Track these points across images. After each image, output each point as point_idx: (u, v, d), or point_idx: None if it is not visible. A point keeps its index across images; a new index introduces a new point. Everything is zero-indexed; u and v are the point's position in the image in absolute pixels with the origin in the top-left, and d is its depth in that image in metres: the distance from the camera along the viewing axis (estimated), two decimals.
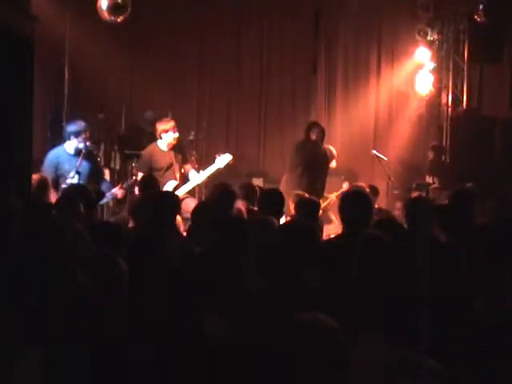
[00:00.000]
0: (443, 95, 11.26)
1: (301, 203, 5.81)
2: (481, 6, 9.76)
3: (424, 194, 8.95)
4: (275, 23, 11.99)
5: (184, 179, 7.95)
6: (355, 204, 4.76)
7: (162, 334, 2.91)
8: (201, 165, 10.17)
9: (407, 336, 2.58)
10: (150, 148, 8.02)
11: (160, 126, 7.91)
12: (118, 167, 10.66)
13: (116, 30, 10.16)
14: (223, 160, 8.01)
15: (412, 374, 2.37)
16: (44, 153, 7.80)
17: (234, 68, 12.07)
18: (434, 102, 11.41)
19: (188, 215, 6.89)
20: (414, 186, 9.83)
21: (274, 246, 3.78)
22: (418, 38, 10.93)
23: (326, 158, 8.53)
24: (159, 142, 7.90)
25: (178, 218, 5.57)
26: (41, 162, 7.47)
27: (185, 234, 5.34)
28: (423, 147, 11.08)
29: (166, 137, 7.83)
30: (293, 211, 6.05)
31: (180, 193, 7.51)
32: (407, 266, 2.90)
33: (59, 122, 9.95)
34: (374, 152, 9.78)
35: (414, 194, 8.92)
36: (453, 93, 11.06)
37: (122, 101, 11.47)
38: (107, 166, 10.57)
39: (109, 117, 11.03)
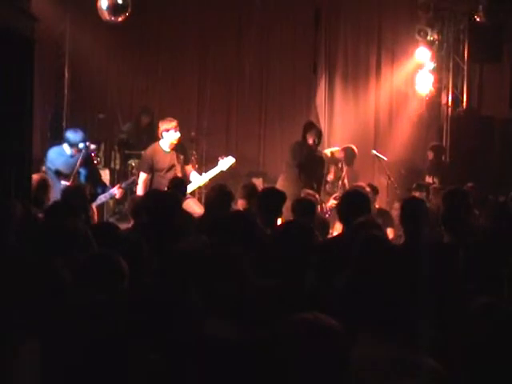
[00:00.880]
0: (443, 95, 11.25)
1: (298, 204, 5.83)
2: (481, 6, 9.76)
3: (424, 194, 8.94)
4: (275, 23, 11.99)
5: (186, 177, 7.94)
6: (354, 204, 4.76)
7: (163, 333, 2.91)
8: (201, 165, 10.19)
9: (407, 336, 2.58)
10: (151, 148, 8.00)
11: (162, 125, 7.89)
12: (117, 167, 10.66)
13: (116, 30, 10.16)
14: (226, 163, 8.01)
15: (412, 373, 2.38)
16: (44, 153, 7.81)
17: (234, 68, 12.07)
18: (434, 102, 11.40)
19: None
20: (414, 186, 9.81)
21: (273, 246, 3.79)
22: (418, 37, 10.93)
23: (322, 160, 8.55)
24: (161, 141, 7.88)
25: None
26: (41, 162, 7.48)
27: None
28: (423, 147, 11.07)
29: (168, 136, 7.81)
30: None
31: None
32: (407, 266, 2.91)
33: (59, 122, 9.96)
34: (374, 152, 9.79)
35: (415, 194, 8.92)
36: (453, 93, 11.06)
37: (121, 101, 11.47)
38: (107, 166, 10.57)
39: (109, 117, 11.04)
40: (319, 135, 8.44)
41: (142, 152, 8.39)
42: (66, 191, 6.15)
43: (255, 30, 12.05)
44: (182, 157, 7.95)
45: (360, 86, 11.82)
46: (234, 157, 8.33)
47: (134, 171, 9.63)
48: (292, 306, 2.33)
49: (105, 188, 7.65)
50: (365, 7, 11.68)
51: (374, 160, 10.08)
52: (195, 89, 12.09)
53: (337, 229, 7.08)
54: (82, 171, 7.38)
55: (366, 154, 10.52)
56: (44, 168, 7.59)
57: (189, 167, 8.12)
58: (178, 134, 7.84)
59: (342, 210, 4.92)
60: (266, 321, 2.65)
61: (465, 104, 10.95)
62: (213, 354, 2.53)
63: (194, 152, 10.54)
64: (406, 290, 2.64)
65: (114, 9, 9.13)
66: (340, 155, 9.43)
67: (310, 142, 8.28)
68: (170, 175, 7.73)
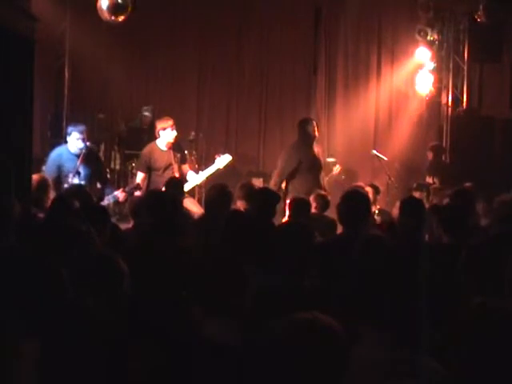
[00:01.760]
0: (443, 95, 11.25)
1: (294, 203, 5.84)
2: (481, 6, 9.76)
3: (425, 194, 8.94)
4: (275, 23, 11.99)
5: (183, 177, 7.95)
6: (354, 204, 4.76)
7: (163, 335, 2.91)
8: (201, 165, 10.18)
9: (407, 336, 2.58)
10: (148, 147, 8.02)
11: (159, 124, 7.93)
12: (117, 167, 10.66)
13: (116, 30, 10.16)
14: (223, 160, 8.02)
15: (412, 374, 2.38)
16: (44, 153, 7.83)
17: (234, 68, 12.07)
18: (434, 102, 11.40)
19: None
20: (414, 186, 9.82)
21: (273, 246, 3.79)
22: (418, 37, 10.92)
23: (319, 157, 8.53)
24: (158, 141, 7.90)
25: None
26: (41, 161, 7.48)
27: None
28: (423, 147, 11.08)
29: (165, 135, 7.82)
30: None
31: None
32: (407, 266, 2.90)
33: (59, 122, 9.96)
34: (374, 152, 9.79)
35: (415, 194, 8.92)
36: (453, 93, 11.06)
37: (121, 101, 11.47)
38: (107, 166, 10.57)
39: (109, 117, 11.04)
40: (316, 124, 8.42)
41: (140, 152, 8.41)
42: (67, 191, 6.16)
43: (255, 30, 12.06)
44: (178, 155, 7.97)
45: (360, 85, 11.82)
46: (233, 157, 8.33)
47: (134, 171, 9.63)
48: (292, 305, 2.33)
49: (109, 189, 7.67)
50: (365, 7, 11.67)
51: (374, 160, 10.07)
52: (195, 89, 12.09)
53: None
54: (83, 170, 7.37)
55: (366, 153, 10.53)
56: (44, 168, 7.59)
57: (185, 166, 8.13)
58: (174, 133, 7.86)
59: (342, 211, 4.91)
60: (266, 321, 2.65)
61: (465, 104, 10.95)
62: (213, 356, 2.53)
63: (194, 152, 10.54)
64: (407, 289, 2.63)
65: (114, 9, 9.13)
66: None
67: (316, 135, 8.24)
68: (167, 174, 7.75)
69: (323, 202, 6.62)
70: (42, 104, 9.51)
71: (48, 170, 7.26)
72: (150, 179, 7.85)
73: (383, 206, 8.93)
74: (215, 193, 5.79)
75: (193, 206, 7.57)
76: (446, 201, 6.48)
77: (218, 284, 2.76)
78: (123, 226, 5.78)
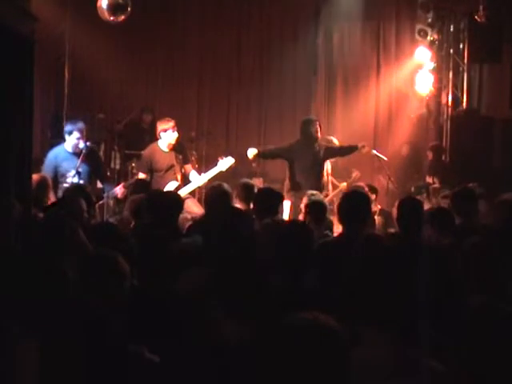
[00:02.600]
0: (443, 95, 11.25)
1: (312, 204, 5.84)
2: (481, 6, 9.75)
3: (425, 196, 8.94)
4: (275, 23, 11.99)
5: (185, 179, 7.94)
6: (354, 204, 4.76)
7: (174, 336, 2.91)
8: (201, 165, 10.19)
9: (408, 336, 2.58)
10: (150, 148, 8.01)
11: (160, 126, 7.91)
12: (117, 167, 10.66)
13: (116, 30, 10.15)
14: (225, 163, 8.01)
15: (413, 374, 2.38)
16: (44, 153, 7.81)
17: (234, 68, 12.08)
18: (434, 102, 11.40)
19: (188, 215, 6.92)
20: (412, 189, 9.84)
21: (273, 246, 3.78)
22: (418, 37, 10.92)
23: (321, 157, 8.53)
24: (160, 142, 7.89)
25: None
26: (41, 161, 7.48)
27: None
28: (423, 147, 11.08)
29: (166, 136, 7.81)
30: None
31: (181, 194, 7.52)
32: (407, 266, 2.90)
33: (59, 122, 9.95)
34: (374, 152, 9.78)
35: (414, 194, 8.92)
36: (453, 93, 11.05)
37: (121, 101, 11.47)
38: (107, 165, 10.57)
39: (109, 117, 11.03)
40: (319, 124, 8.44)
41: (142, 152, 8.41)
42: (67, 191, 6.15)
43: (255, 30, 12.05)
44: (180, 156, 7.95)
45: (360, 85, 11.82)
46: (233, 157, 8.33)
47: (134, 171, 9.63)
48: (291, 305, 2.33)
49: (109, 187, 7.66)
50: (365, 7, 11.67)
51: (374, 160, 10.07)
52: (195, 89, 12.10)
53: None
54: (86, 170, 7.36)
55: (366, 153, 10.51)
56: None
57: (188, 166, 8.12)
58: (175, 134, 7.84)
59: (342, 211, 4.91)
60: (266, 321, 2.65)
61: (465, 104, 10.94)
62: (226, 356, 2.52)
63: (194, 152, 10.53)
64: (407, 290, 2.63)
65: (114, 9, 9.13)
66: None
67: (318, 135, 8.25)
68: (168, 175, 7.74)
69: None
70: (42, 104, 9.51)
71: (45, 170, 7.25)
72: (151, 180, 7.84)
73: (383, 205, 8.92)
74: (215, 193, 5.79)
75: (193, 206, 7.57)
76: (446, 201, 6.47)
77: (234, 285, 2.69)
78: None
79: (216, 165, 8.09)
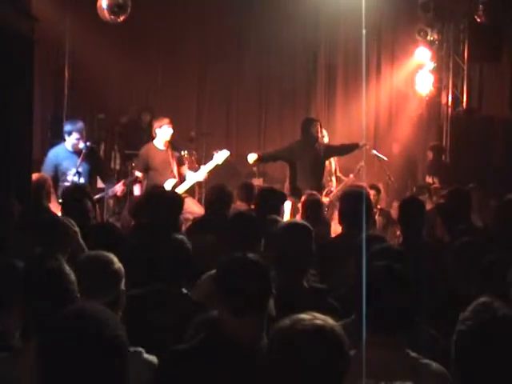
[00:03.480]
0: (443, 95, 11.25)
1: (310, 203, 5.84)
2: (481, 6, 9.75)
3: (427, 196, 8.94)
4: (275, 23, 11.98)
5: (182, 178, 7.98)
6: (354, 204, 4.76)
7: (175, 337, 2.91)
8: (201, 165, 10.17)
9: (408, 336, 2.58)
10: (146, 147, 8.11)
11: (155, 124, 8.08)
12: (117, 167, 10.67)
13: (116, 30, 10.15)
14: (221, 156, 8.07)
15: (412, 375, 2.37)
16: (44, 153, 7.81)
17: (234, 68, 12.08)
18: (434, 102, 11.40)
19: (188, 215, 6.92)
20: (414, 190, 9.85)
21: (273, 246, 3.78)
22: (418, 38, 10.93)
23: (322, 156, 8.54)
24: (155, 140, 8.00)
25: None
26: (41, 161, 7.47)
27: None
28: (423, 147, 11.08)
29: (161, 132, 7.92)
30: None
31: (179, 191, 7.54)
32: (408, 267, 2.90)
33: (59, 122, 9.94)
34: (374, 152, 9.78)
35: (416, 194, 8.93)
36: (453, 93, 11.06)
37: (121, 101, 11.47)
38: (107, 166, 10.57)
39: (109, 117, 11.03)
40: (320, 125, 8.47)
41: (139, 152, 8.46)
42: (67, 191, 6.14)
43: (255, 30, 12.05)
44: (176, 154, 8.05)
45: (360, 85, 11.82)
46: (233, 157, 8.35)
47: (133, 171, 9.63)
48: (291, 306, 2.32)
49: (113, 183, 7.66)
50: (365, 7, 11.65)
51: (374, 160, 10.07)
52: (195, 89, 12.11)
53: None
54: (87, 169, 7.35)
55: (365, 153, 10.52)
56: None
57: (183, 167, 8.16)
58: (170, 130, 7.96)
59: (342, 210, 4.91)
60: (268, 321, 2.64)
61: (465, 104, 10.94)
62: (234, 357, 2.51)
63: (194, 152, 10.53)
64: (407, 290, 2.63)
65: (115, 9, 9.13)
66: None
67: (318, 136, 8.28)
68: (165, 172, 7.81)
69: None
70: (42, 104, 9.50)
71: (45, 169, 7.24)
72: (148, 178, 7.88)
73: (383, 205, 8.93)
74: (215, 193, 5.79)
75: (194, 206, 7.58)
76: (441, 201, 6.47)
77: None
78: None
79: (212, 159, 8.12)
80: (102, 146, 10.60)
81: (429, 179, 10.01)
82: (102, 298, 2.79)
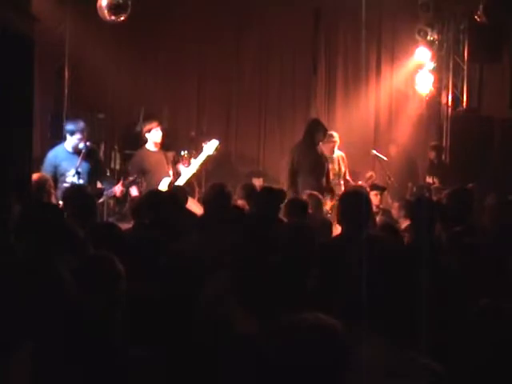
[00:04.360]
0: (443, 95, 11.25)
1: (291, 204, 5.83)
2: (481, 6, 9.76)
3: (427, 195, 8.95)
4: (275, 23, 11.98)
5: (177, 176, 8.04)
6: (354, 204, 4.75)
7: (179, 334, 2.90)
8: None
9: (408, 336, 2.58)
10: (139, 152, 8.26)
11: (144, 128, 8.20)
12: (117, 167, 10.66)
13: (116, 30, 10.15)
14: (211, 146, 8.16)
15: (413, 375, 2.37)
16: (44, 153, 7.80)
17: (234, 68, 12.07)
18: (434, 102, 11.40)
19: None
20: (414, 190, 9.85)
21: (273, 246, 3.78)
22: (417, 37, 10.93)
23: (325, 157, 8.55)
24: (147, 144, 8.11)
25: None
26: (41, 161, 7.46)
27: None
28: (423, 147, 11.08)
29: (151, 136, 8.04)
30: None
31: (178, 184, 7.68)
32: (408, 267, 2.90)
33: (59, 122, 9.94)
34: (374, 152, 9.79)
35: (416, 195, 8.93)
36: (453, 93, 11.06)
37: (121, 101, 11.46)
38: (107, 166, 10.56)
39: (109, 117, 11.03)
40: (325, 134, 8.51)
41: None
42: (67, 191, 6.14)
43: (255, 30, 12.05)
44: (169, 154, 8.14)
45: (360, 85, 11.83)
46: (233, 157, 8.38)
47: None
48: (293, 306, 2.32)
49: (111, 184, 7.66)
50: (365, 7, 11.66)
51: (374, 160, 10.08)
52: (195, 89, 12.10)
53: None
54: (86, 169, 7.35)
55: (366, 153, 10.52)
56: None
57: (178, 166, 8.28)
58: (160, 133, 8.07)
59: (342, 211, 4.91)
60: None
61: (465, 104, 10.94)
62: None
63: (194, 152, 10.52)
64: (407, 290, 2.63)
65: (115, 8, 9.13)
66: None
67: (320, 142, 8.31)
68: (160, 172, 7.89)
69: (315, 202, 6.65)
70: (41, 104, 9.49)
71: (44, 170, 7.23)
72: (146, 180, 7.95)
73: (383, 205, 8.93)
74: (214, 193, 5.79)
75: (193, 206, 7.58)
76: (443, 200, 6.48)
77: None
78: (123, 226, 5.77)
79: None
80: (102, 146, 10.59)
81: (429, 179, 10.02)
82: (101, 298, 2.79)
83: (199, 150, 10.79)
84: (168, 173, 7.94)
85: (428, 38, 10.89)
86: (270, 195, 5.69)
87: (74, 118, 8.49)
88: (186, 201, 6.38)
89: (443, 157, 10.72)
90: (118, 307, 2.92)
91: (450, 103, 11.09)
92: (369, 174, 9.26)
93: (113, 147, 10.87)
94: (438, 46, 11.16)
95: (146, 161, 8.00)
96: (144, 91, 11.63)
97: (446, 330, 2.88)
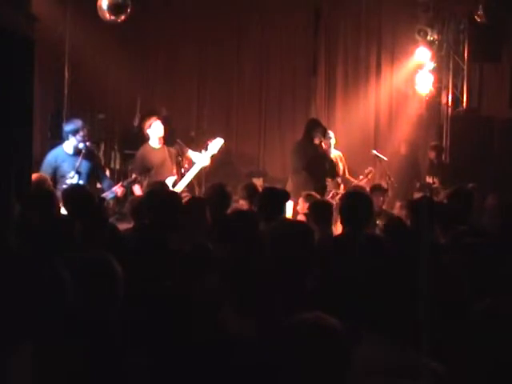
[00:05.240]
0: (443, 95, 11.25)
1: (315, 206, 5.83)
2: (481, 6, 9.76)
3: (428, 194, 8.95)
4: (275, 23, 11.99)
5: (181, 174, 7.99)
6: (354, 204, 4.76)
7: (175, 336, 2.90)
8: None
9: (408, 337, 2.58)
10: (141, 149, 8.13)
11: (145, 124, 8.08)
12: (117, 167, 10.67)
13: (116, 30, 10.15)
14: (216, 145, 8.09)
15: (413, 375, 2.37)
16: (44, 153, 7.80)
17: (234, 68, 12.08)
18: (434, 102, 11.40)
19: None
20: (418, 186, 9.85)
21: (274, 246, 3.78)
22: (417, 37, 10.92)
23: (327, 156, 8.57)
24: (150, 141, 8.00)
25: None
26: (41, 162, 7.46)
27: None
28: (423, 147, 11.08)
29: (153, 131, 7.93)
30: (304, 210, 6.08)
31: (183, 183, 7.71)
32: (408, 267, 2.90)
33: (59, 122, 9.94)
34: (374, 152, 9.79)
35: (417, 195, 8.93)
36: (453, 93, 11.06)
37: (121, 101, 11.46)
38: (107, 166, 10.57)
39: (109, 117, 11.03)
40: (324, 133, 8.51)
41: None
42: (65, 192, 6.13)
43: (255, 30, 12.05)
44: (173, 151, 8.01)
45: (360, 85, 11.83)
46: (233, 157, 8.38)
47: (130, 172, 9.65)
48: (293, 306, 2.33)
49: (111, 185, 7.65)
50: (365, 7, 11.67)
51: (374, 160, 10.07)
52: (195, 89, 12.10)
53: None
54: (86, 169, 7.34)
55: (366, 153, 10.52)
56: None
57: (188, 154, 8.12)
58: (161, 125, 7.96)
59: (343, 211, 4.91)
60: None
61: (465, 104, 10.94)
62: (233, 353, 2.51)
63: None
64: (407, 290, 2.63)
65: (115, 8, 9.13)
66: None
67: (317, 141, 8.31)
68: (164, 171, 7.82)
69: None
70: (42, 104, 9.50)
71: (43, 171, 7.22)
72: (149, 178, 7.88)
73: (383, 206, 8.92)
74: (214, 193, 5.78)
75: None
76: (444, 201, 6.48)
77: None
78: (123, 226, 5.77)
79: (207, 149, 8.12)
80: (102, 146, 10.60)
81: (429, 179, 10.02)
82: (99, 299, 2.79)
83: (201, 149, 10.84)
84: (172, 171, 7.87)
85: (428, 38, 10.88)
86: (273, 195, 5.69)
87: (73, 118, 8.48)
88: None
89: (443, 157, 10.72)
90: (117, 307, 2.92)
91: (449, 103, 11.09)
92: (368, 169, 9.25)
93: (113, 147, 10.87)
94: (438, 46, 11.16)
95: (149, 159, 7.89)
96: (144, 91, 11.63)
97: (446, 330, 2.88)
